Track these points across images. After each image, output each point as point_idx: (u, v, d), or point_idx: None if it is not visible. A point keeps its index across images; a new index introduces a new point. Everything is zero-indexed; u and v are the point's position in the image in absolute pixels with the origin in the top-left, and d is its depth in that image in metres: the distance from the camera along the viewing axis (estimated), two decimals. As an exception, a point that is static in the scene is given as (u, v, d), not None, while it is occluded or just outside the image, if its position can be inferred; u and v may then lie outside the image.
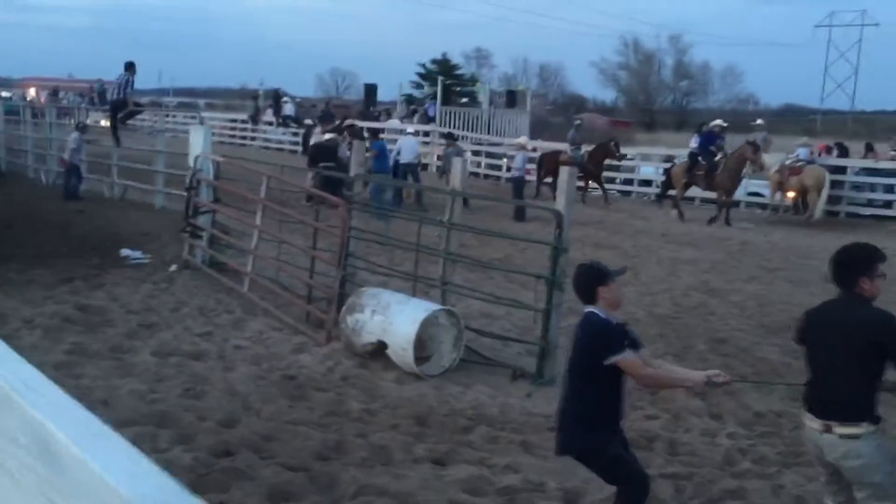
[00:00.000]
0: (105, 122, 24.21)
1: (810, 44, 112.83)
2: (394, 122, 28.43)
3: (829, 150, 22.19)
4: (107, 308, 8.15)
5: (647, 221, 17.13)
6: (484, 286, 9.35)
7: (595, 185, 20.65)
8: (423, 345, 6.81)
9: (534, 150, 22.39)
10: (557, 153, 20.79)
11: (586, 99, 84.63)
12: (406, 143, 18.24)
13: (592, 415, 3.82)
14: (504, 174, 23.79)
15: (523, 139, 20.47)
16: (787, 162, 19.67)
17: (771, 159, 20.18)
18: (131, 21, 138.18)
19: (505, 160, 24.51)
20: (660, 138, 57.41)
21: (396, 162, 17.52)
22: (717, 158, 18.00)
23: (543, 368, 6.45)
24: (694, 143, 19.67)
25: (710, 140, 18.77)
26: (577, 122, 25.09)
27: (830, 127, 67.67)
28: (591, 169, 20.31)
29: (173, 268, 9.89)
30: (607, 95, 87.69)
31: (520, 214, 15.84)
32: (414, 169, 18.01)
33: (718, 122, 19.95)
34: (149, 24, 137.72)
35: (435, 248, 7.83)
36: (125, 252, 10.51)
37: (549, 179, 20.77)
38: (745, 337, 8.30)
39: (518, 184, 18.00)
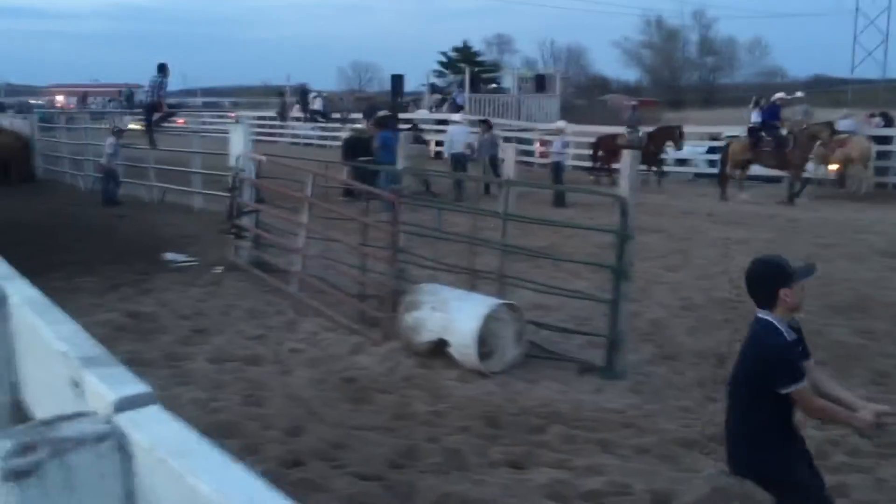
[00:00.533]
0: (135, 126, 24.36)
1: (837, 13, 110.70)
2: (423, 112, 28.23)
3: (871, 118, 21.53)
4: (157, 314, 8.04)
5: (690, 202, 16.74)
6: (532, 276, 9.12)
7: (652, 167, 19.94)
8: (483, 341, 6.59)
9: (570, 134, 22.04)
10: (614, 136, 20.31)
11: (610, 80, 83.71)
12: (456, 132, 17.97)
13: (765, 434, 3.45)
14: (536, 160, 23.50)
15: (561, 123, 20.11)
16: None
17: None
18: (150, 24, 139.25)
19: (537, 145, 24.22)
20: (688, 116, 56.63)
21: (452, 154, 17.26)
22: (784, 133, 17.13)
23: (613, 361, 6.21)
24: (756, 117, 18.67)
25: (774, 114, 17.78)
26: (634, 103, 24.48)
27: (862, 96, 66.19)
28: (651, 150, 19.60)
29: (219, 269, 9.78)
30: (631, 75, 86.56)
31: (559, 200, 15.57)
32: (465, 159, 17.66)
33: (781, 94, 19.00)
34: (167, 27, 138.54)
35: (487, 239, 7.60)
36: (169, 255, 10.42)
37: (606, 164, 20.43)
38: (812, 319, 7.91)
39: (557, 169, 17.62)
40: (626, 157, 6.12)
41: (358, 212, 8.86)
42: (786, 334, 3.35)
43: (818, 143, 16.83)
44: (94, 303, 8.40)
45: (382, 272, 8.11)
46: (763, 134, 17.35)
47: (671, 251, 10.94)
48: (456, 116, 19.68)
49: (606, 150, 19.97)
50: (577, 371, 6.44)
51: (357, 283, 8.30)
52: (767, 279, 3.38)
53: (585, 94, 67.84)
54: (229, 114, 32.14)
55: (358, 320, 7.83)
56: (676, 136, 19.95)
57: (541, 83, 30.75)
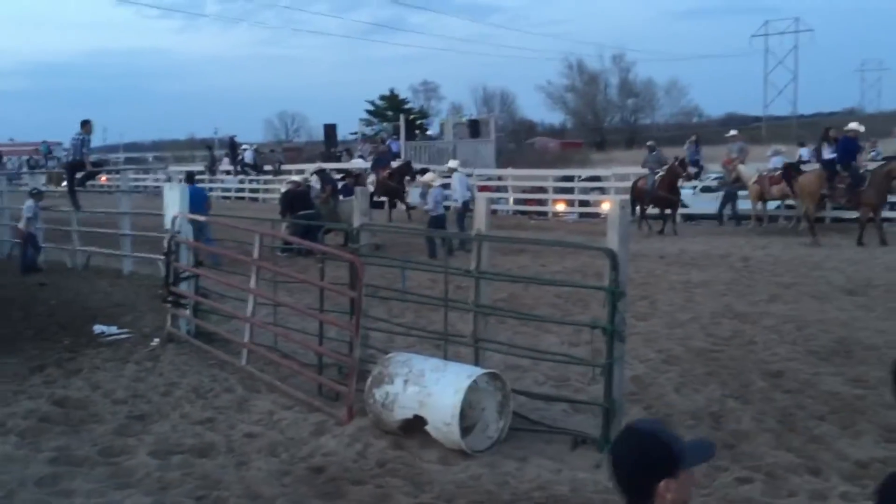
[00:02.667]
0: (53, 185, 23.06)
1: (748, 53, 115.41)
2: (357, 161, 27.67)
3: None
4: (89, 399, 7.14)
5: (638, 243, 16.47)
6: (498, 332, 8.56)
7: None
8: (463, 414, 5.95)
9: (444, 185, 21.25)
10: (673, 176, 18.95)
11: (535, 123, 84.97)
12: (459, 181, 17.22)
13: None
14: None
15: (429, 176, 18.15)
16: (765, 171, 19.36)
17: (747, 170, 19.92)
18: (69, 81, 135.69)
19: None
20: (613, 157, 57.68)
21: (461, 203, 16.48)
22: (861, 171, 15.98)
23: (610, 432, 5.63)
24: (829, 152, 17.02)
25: (851, 148, 16.27)
26: (650, 143, 23.44)
27: (775, 133, 68.66)
28: (663, 196, 18.89)
29: (156, 342, 8.91)
30: (556, 118, 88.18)
31: (433, 251, 14.55)
32: (444, 216, 16.46)
33: (854, 125, 17.21)
34: (87, 83, 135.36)
35: (460, 300, 7.00)
36: (99, 328, 9.49)
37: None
38: (800, 368, 7.59)
39: (437, 222, 15.88)
40: (614, 206, 5.61)
41: (312, 273, 8.15)
42: None
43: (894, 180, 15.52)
44: (15, 389, 7.45)
45: (342, 339, 7.43)
46: (839, 169, 16.10)
47: (636, 298, 10.47)
48: (453, 163, 18.82)
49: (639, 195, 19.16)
50: (570, 444, 5.84)
51: (314, 352, 7.56)
52: (642, 465, 2.08)
53: (514, 138, 68.52)
54: (171, 168, 30.86)
55: (317, 395, 7.10)
56: (679, 170, 18.94)
57: (475, 128, 30.61)
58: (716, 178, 23.55)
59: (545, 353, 7.24)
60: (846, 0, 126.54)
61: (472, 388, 5.92)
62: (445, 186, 17.09)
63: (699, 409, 6.63)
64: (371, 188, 21.33)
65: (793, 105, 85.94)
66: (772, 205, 19.84)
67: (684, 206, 21.10)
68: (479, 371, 5.95)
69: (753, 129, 75.15)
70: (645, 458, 2.06)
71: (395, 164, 25.40)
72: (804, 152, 22.08)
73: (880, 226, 15.73)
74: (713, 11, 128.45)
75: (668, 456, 2.06)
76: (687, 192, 21.38)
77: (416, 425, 5.90)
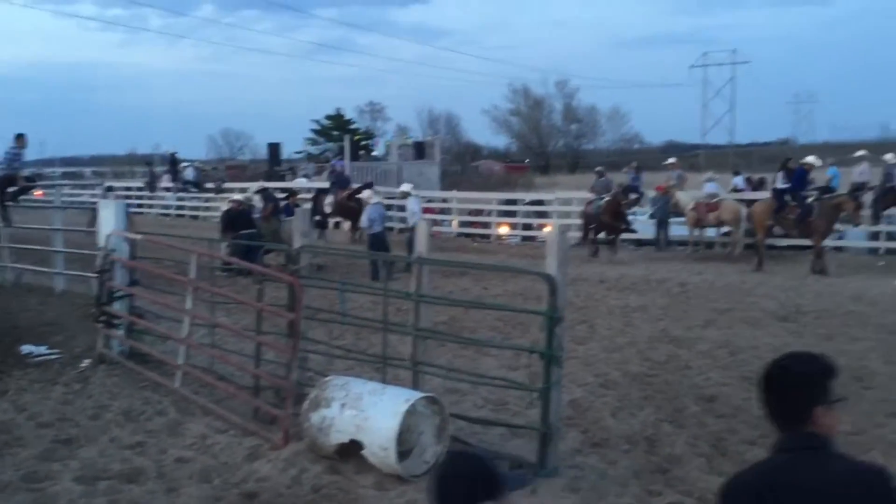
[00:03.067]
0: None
1: (688, 83, 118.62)
2: (301, 181, 27.49)
3: (760, 182, 22.49)
4: (13, 422, 6.89)
5: (578, 267, 16.66)
6: (438, 355, 8.55)
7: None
8: (400, 438, 5.91)
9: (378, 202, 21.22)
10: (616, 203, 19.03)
11: (480, 146, 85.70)
12: (414, 203, 17.08)
13: None
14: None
15: (366, 194, 18.36)
16: (702, 198, 19.85)
17: (685, 197, 20.38)
18: (4, 93, 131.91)
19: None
20: (557, 181, 58.44)
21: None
22: (809, 201, 16.30)
23: (545, 457, 5.65)
24: (781, 182, 17.40)
25: (803, 179, 16.65)
26: (599, 169, 23.01)
27: (713, 161, 70.49)
28: (606, 222, 18.98)
29: (86, 363, 8.65)
30: (500, 142, 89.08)
31: (375, 273, 14.47)
32: (385, 237, 16.46)
33: (811, 159, 17.71)
34: (23, 95, 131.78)
35: (401, 323, 6.98)
36: (27, 348, 9.17)
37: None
38: (733, 393, 7.75)
39: (376, 240, 15.85)
40: (553, 231, 5.67)
41: (251, 294, 8.04)
42: None
43: (842, 212, 16.08)
44: (-65, 412, 7.15)
45: (280, 361, 7.32)
46: (788, 199, 16.54)
47: (575, 321, 10.62)
48: (406, 187, 18.74)
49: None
50: (507, 469, 5.83)
51: (250, 374, 7.44)
52: (468, 489, 2.15)
53: (459, 161, 68.95)
54: (109, 184, 30.20)
55: (252, 418, 6.98)
56: (619, 198, 19.19)
57: (420, 150, 30.72)
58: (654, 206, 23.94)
59: (484, 377, 7.26)
60: (782, 34, 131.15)
61: (410, 412, 5.89)
62: (402, 209, 17.01)
63: (635, 434, 6.71)
64: (329, 209, 21.25)
65: (730, 134, 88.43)
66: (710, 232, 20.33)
67: (633, 231, 21.45)
68: (417, 395, 5.92)
69: (692, 157, 77.07)
70: (471, 481, 2.16)
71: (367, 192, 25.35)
72: (738, 181, 22.71)
73: (824, 255, 16.15)
74: (655, 41, 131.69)
75: (492, 481, 2.17)
76: (642, 217, 21.70)
77: (352, 450, 5.84)
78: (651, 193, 21.85)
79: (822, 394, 2.34)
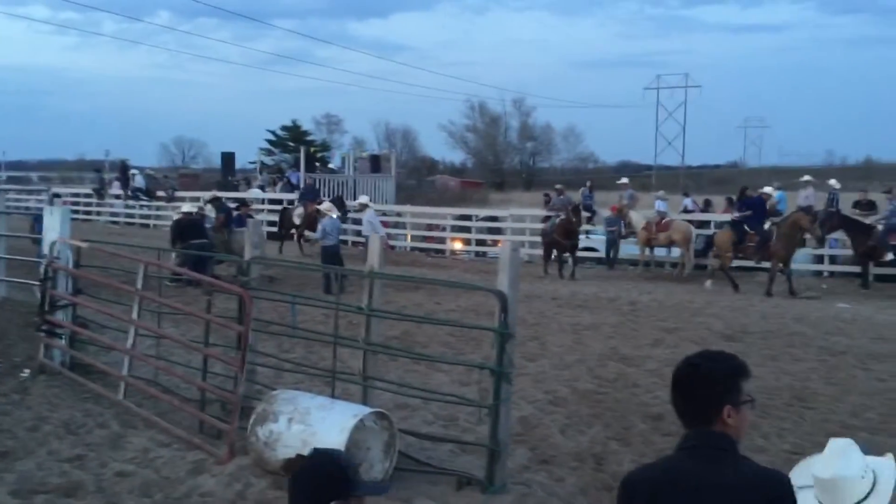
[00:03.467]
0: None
1: (641, 105, 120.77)
2: (255, 191, 27.24)
3: (707, 203, 22.98)
4: (-54, 434, 6.65)
5: (532, 284, 16.77)
6: (389, 370, 8.52)
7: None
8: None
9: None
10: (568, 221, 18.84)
11: (437, 161, 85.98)
12: (371, 216, 16.88)
13: None
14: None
15: (326, 205, 17.79)
16: (654, 217, 20.17)
17: (637, 216, 20.67)
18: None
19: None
20: (512, 198, 58.86)
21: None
22: (766, 227, 16.72)
23: (494, 473, 5.64)
24: (737, 212, 18.00)
25: (762, 208, 17.22)
26: (559, 187, 23.78)
27: (664, 182, 71.70)
28: (558, 240, 18.98)
29: (26, 373, 8.40)
30: (457, 157, 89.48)
31: (328, 286, 14.25)
32: (338, 250, 16.15)
33: (769, 189, 18.51)
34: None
35: (351, 337, 6.92)
36: (-37, 357, 8.87)
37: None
38: (679, 411, 7.84)
39: (330, 253, 15.53)
40: (505, 247, 5.69)
41: (199, 305, 7.91)
42: None
43: (801, 232, 16.47)
44: None
45: (228, 374, 7.21)
46: (746, 227, 16.97)
47: (526, 338, 10.66)
48: (364, 199, 18.58)
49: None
50: (455, 485, 5.81)
51: (196, 387, 7.30)
52: (317, 485, 2.24)
53: (415, 175, 69.06)
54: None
55: (197, 432, 6.84)
56: (570, 216, 18.83)
57: (375, 164, 30.68)
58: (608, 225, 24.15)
59: (434, 392, 7.24)
60: (733, 60, 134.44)
61: (359, 428, 5.84)
62: (358, 222, 16.89)
63: (583, 451, 6.75)
64: (298, 220, 21.08)
65: (681, 156, 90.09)
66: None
67: (593, 249, 21.72)
68: (365, 410, 5.87)
69: (644, 178, 78.34)
70: (321, 478, 2.24)
71: (293, 195, 25.15)
72: (688, 202, 23.13)
73: (790, 276, 16.42)
74: (610, 63, 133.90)
75: (342, 479, 2.25)
76: (599, 237, 21.87)
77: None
78: (605, 213, 22.14)
79: (731, 393, 2.31)
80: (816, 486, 2.67)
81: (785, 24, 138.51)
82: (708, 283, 17.41)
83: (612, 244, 20.81)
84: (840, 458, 2.64)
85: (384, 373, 7.81)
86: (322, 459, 2.35)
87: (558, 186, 23.90)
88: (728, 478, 2.22)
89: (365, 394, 6.51)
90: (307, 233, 20.32)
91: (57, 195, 16.23)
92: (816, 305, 14.72)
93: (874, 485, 2.63)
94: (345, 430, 5.58)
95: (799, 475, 2.75)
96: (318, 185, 26.67)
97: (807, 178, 20.91)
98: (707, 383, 2.32)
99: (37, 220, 13.85)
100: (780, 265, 16.45)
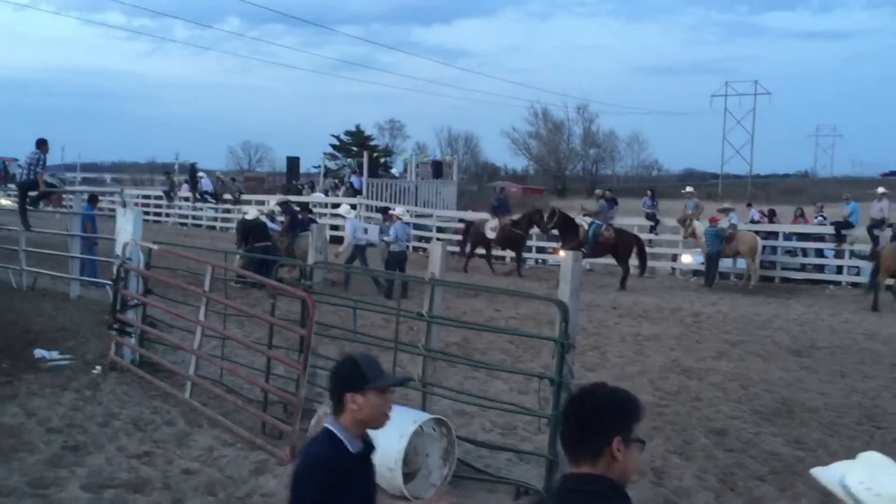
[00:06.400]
0: (5, 202, 22.54)
1: (708, 112, 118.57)
2: (318, 196, 27.62)
3: (772, 213, 22.21)
4: (23, 427, 6.91)
5: (592, 293, 16.61)
6: (447, 376, 8.55)
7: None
8: (407, 459, 5.89)
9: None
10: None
11: (499, 167, 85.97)
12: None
13: None
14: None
15: (399, 209, 17.99)
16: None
17: (702, 227, 20.23)
18: (30, 98, 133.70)
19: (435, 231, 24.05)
20: (573, 205, 58.44)
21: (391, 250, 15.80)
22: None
23: (552, 484, 5.61)
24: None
25: None
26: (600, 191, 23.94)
27: (731, 191, 70.31)
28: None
29: (98, 370, 8.70)
30: (519, 163, 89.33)
31: (389, 291, 14.31)
32: (403, 255, 16.08)
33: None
34: (48, 101, 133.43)
35: (411, 343, 6.97)
36: (40, 353, 9.22)
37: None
38: (743, 426, 7.68)
39: (398, 258, 15.66)
40: (567, 257, 5.67)
41: (264, 307, 8.06)
42: (349, 445, 2.71)
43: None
44: (-54, 412, 7.19)
45: (289, 376, 7.33)
46: None
47: (586, 348, 10.58)
48: (399, 210, 18.07)
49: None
50: (513, 494, 5.80)
51: (259, 388, 7.44)
52: (334, 379, 2.79)
53: (476, 181, 69.15)
54: (128, 192, 30.30)
55: (260, 432, 6.98)
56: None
57: (438, 169, 30.79)
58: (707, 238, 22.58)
59: (493, 400, 7.23)
60: (804, 67, 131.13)
61: (418, 434, 5.89)
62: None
63: (642, 464, 6.64)
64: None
65: (749, 165, 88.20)
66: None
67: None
68: (425, 416, 5.91)
69: (710, 186, 76.93)
70: (337, 372, 2.77)
71: (355, 200, 25.43)
72: (754, 213, 22.54)
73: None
74: (676, 70, 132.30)
75: (355, 373, 2.72)
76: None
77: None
78: (670, 221, 21.69)
79: (623, 426, 2.14)
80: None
81: (858, 31, 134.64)
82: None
83: (711, 258, 18.90)
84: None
85: (443, 379, 7.85)
86: (343, 359, 2.87)
87: (598, 191, 23.68)
88: None
89: (424, 400, 6.54)
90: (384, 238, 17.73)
91: (96, 196, 16.45)
92: (889, 321, 14.23)
93: None
94: (404, 435, 5.62)
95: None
96: (376, 190, 26.83)
97: (881, 189, 20.21)
98: (601, 411, 2.16)
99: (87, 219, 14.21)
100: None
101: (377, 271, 15.15)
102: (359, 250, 15.87)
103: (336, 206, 26.19)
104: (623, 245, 18.82)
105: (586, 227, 19.07)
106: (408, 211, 21.54)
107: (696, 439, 7.27)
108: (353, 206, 21.09)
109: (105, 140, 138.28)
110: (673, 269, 21.46)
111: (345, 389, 2.71)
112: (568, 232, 19.12)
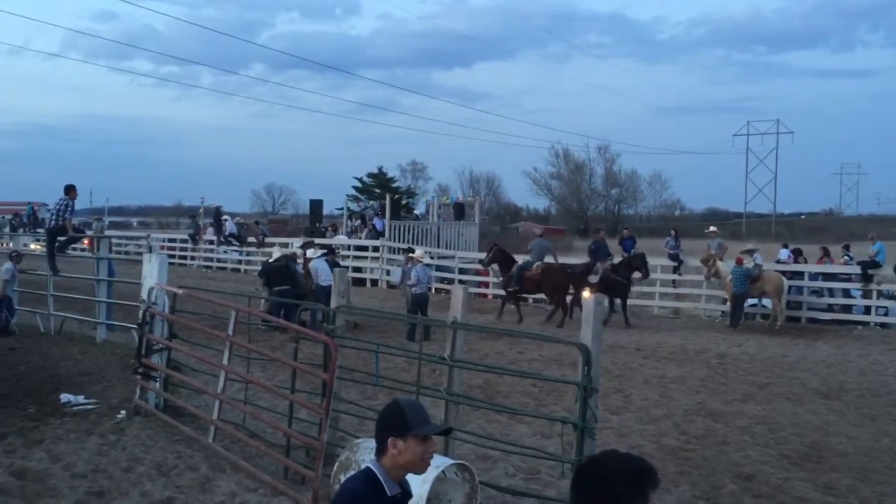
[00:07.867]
0: (35, 246, 22.93)
1: (730, 152, 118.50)
2: (341, 238, 27.81)
3: (798, 253, 21.89)
4: (48, 472, 6.96)
5: (614, 335, 16.48)
6: (469, 420, 8.50)
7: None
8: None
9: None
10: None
11: (520, 208, 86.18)
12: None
13: None
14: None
15: (419, 252, 17.75)
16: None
17: (726, 267, 20.06)
18: (59, 143, 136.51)
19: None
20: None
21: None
22: None
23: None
24: None
25: None
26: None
27: (755, 229, 69.94)
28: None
29: (122, 414, 8.75)
30: (540, 203, 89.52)
31: (411, 333, 14.41)
32: (426, 297, 16.05)
33: None
34: (77, 146, 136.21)
35: (433, 387, 6.95)
36: (66, 397, 9.31)
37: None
38: (772, 472, 7.54)
39: (420, 300, 15.69)
40: (590, 300, 5.67)
41: (287, 350, 8.10)
42: (386, 488, 2.70)
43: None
44: (-27, 457, 7.26)
45: (312, 420, 7.32)
46: None
47: (610, 390, 10.50)
48: (419, 252, 17.77)
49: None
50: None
51: (282, 432, 7.44)
52: (380, 421, 2.80)
53: (498, 222, 69.32)
54: (154, 236, 30.65)
55: (283, 477, 6.96)
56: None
57: (459, 211, 30.90)
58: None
59: (516, 445, 7.17)
60: (826, 104, 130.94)
61: (440, 479, 5.84)
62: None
63: (670, 511, 6.55)
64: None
65: (772, 203, 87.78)
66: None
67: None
68: (447, 461, 5.87)
69: (734, 225, 76.57)
70: (382, 415, 2.79)
71: (377, 242, 25.55)
72: (784, 253, 22.34)
73: None
74: (698, 109, 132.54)
75: (398, 418, 2.72)
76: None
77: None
78: (693, 261, 21.56)
79: (636, 498, 2.05)
80: None
81: (879, 69, 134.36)
82: None
83: (736, 299, 18.64)
84: None
85: (465, 423, 7.81)
86: (389, 403, 2.84)
87: (598, 230, 23.57)
88: None
89: (446, 444, 6.50)
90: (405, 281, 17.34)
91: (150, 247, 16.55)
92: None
93: None
94: (427, 481, 5.58)
95: None
96: (398, 232, 26.90)
97: None
98: (610, 484, 2.05)
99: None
100: None
101: (403, 317, 15.09)
102: (323, 292, 14.72)
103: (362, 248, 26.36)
104: (548, 282, 18.98)
105: (520, 263, 19.47)
106: (427, 252, 21.52)
107: (723, 485, 7.15)
108: (376, 249, 20.94)
109: (132, 184, 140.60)
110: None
111: (387, 433, 2.72)
112: (503, 267, 19.78)
